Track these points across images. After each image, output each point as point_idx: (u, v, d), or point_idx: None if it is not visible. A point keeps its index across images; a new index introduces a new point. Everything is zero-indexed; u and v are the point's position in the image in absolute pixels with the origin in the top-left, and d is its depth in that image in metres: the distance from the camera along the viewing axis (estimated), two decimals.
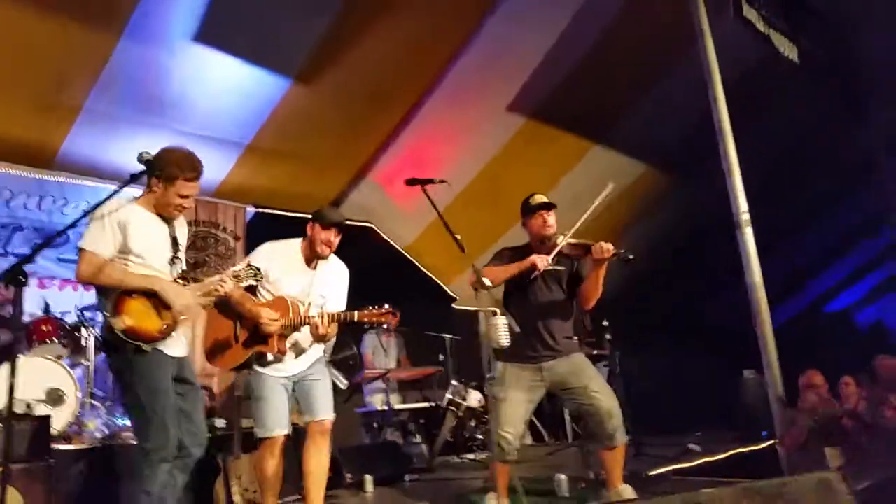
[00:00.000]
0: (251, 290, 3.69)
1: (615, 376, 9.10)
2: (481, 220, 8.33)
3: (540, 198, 4.17)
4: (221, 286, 3.09)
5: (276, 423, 3.65)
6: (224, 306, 3.60)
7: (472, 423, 8.19)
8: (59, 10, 4.80)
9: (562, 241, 3.81)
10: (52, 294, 5.94)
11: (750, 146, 8.42)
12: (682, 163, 8.58)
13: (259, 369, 3.67)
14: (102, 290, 2.97)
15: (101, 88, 5.38)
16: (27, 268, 2.84)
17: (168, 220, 3.15)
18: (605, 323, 8.78)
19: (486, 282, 3.48)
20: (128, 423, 5.57)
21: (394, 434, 6.62)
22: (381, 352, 7.01)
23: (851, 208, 9.64)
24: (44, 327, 5.22)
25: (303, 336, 3.72)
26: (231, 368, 3.77)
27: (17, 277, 2.44)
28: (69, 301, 5.90)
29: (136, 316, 2.90)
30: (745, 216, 4.93)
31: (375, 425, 6.53)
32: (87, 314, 5.55)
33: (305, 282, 3.75)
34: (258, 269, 3.24)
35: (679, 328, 9.37)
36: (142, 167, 2.90)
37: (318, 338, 3.64)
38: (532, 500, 4.15)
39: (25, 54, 4.97)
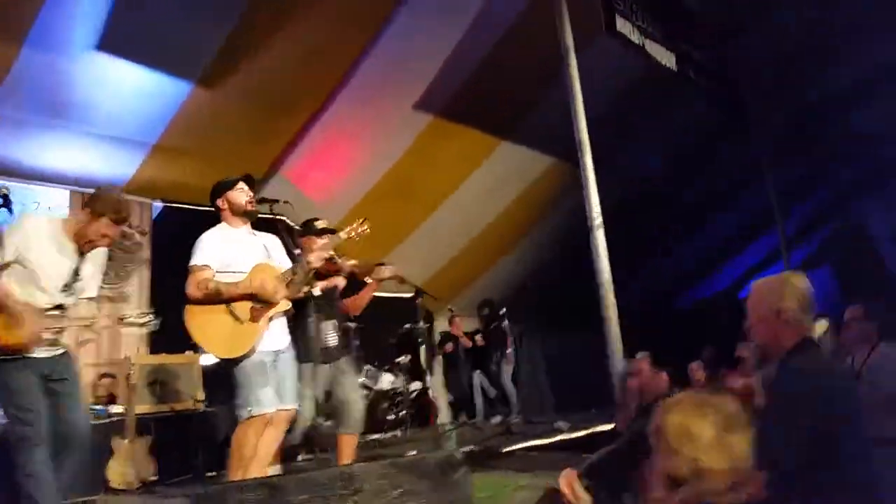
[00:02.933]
0: None
1: (515, 360, 9.77)
2: (394, 215, 8.77)
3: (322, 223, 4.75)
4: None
5: (272, 399, 3.68)
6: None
7: (385, 405, 8.73)
8: None
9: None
10: None
11: (640, 150, 9.06)
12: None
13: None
14: None
15: (4, 94, 5.61)
16: None
17: (80, 252, 3.55)
18: (503, 311, 9.38)
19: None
20: None
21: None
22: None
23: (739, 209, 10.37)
24: None
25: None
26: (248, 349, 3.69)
27: None
28: None
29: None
30: (598, 220, 5.43)
31: None
32: None
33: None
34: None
35: (582, 314, 9.98)
36: None
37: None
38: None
39: None
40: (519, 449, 5.29)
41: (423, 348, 10.34)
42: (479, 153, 8.50)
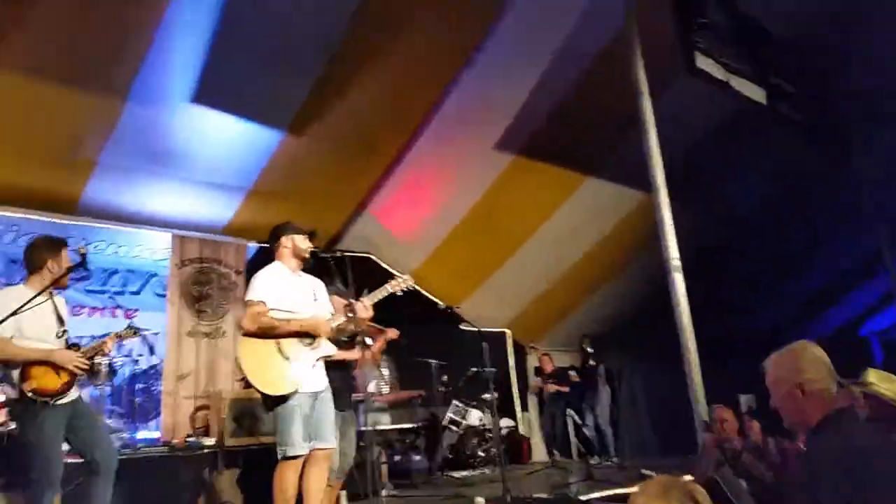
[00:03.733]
0: None
1: (612, 400, 9.49)
2: (478, 252, 8.85)
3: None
4: (104, 349, 3.84)
5: (307, 440, 3.82)
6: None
7: (474, 441, 8.69)
8: (72, 81, 5.54)
9: None
10: (73, 322, 6.76)
11: (734, 189, 8.67)
12: (680, 189, 8.85)
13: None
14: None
15: (112, 145, 6.12)
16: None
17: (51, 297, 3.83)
18: (593, 350, 9.16)
19: None
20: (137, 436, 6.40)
21: (382, 452, 7.16)
22: (374, 373, 7.56)
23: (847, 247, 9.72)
24: None
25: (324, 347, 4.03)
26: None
27: None
28: (94, 327, 6.77)
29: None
30: (676, 262, 5.25)
31: (361, 444, 7.07)
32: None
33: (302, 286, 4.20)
34: (137, 329, 3.88)
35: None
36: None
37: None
38: None
39: (44, 118, 5.74)
40: (593, 499, 5.10)
41: (514, 385, 10.32)
42: (564, 190, 8.43)
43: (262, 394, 3.86)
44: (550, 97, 7.21)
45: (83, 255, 3.63)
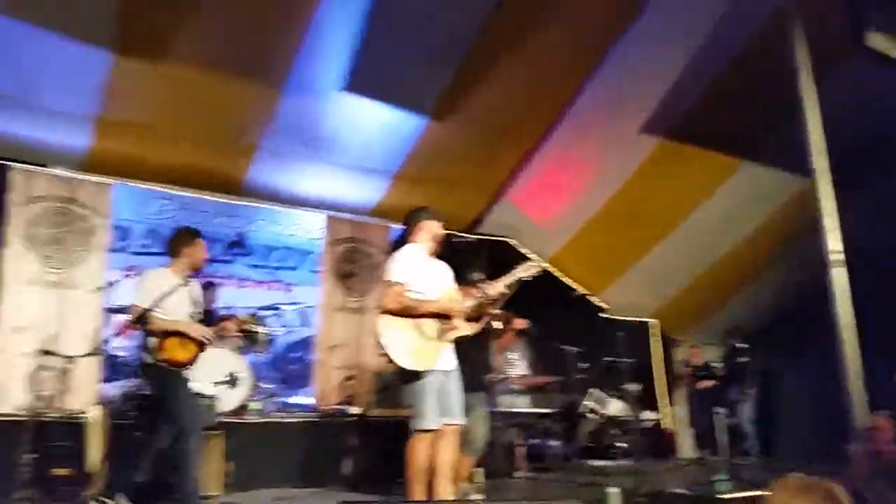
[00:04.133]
0: None
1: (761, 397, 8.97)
2: (621, 241, 8.66)
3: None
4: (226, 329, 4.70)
5: (440, 415, 4.05)
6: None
7: (614, 431, 8.56)
8: (236, 74, 6.04)
9: None
10: (238, 293, 7.45)
11: None
12: (845, 177, 8.15)
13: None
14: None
15: (271, 132, 6.62)
16: (226, 272, 6.20)
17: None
18: (740, 345, 8.67)
19: None
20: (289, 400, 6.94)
21: (518, 434, 7.27)
22: (508, 357, 7.68)
23: None
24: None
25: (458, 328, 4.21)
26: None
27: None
28: (251, 298, 7.43)
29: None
30: (838, 256, 4.90)
31: (499, 425, 7.21)
32: (262, 313, 6.97)
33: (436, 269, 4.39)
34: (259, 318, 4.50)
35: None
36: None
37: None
38: None
39: (213, 108, 6.31)
40: (736, 499, 4.87)
41: (657, 378, 10.01)
42: (717, 175, 8.02)
43: (400, 369, 4.08)
44: (702, 78, 6.86)
45: (239, 238, 3.99)
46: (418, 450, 3.99)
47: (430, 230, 4.34)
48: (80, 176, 6.36)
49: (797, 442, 9.39)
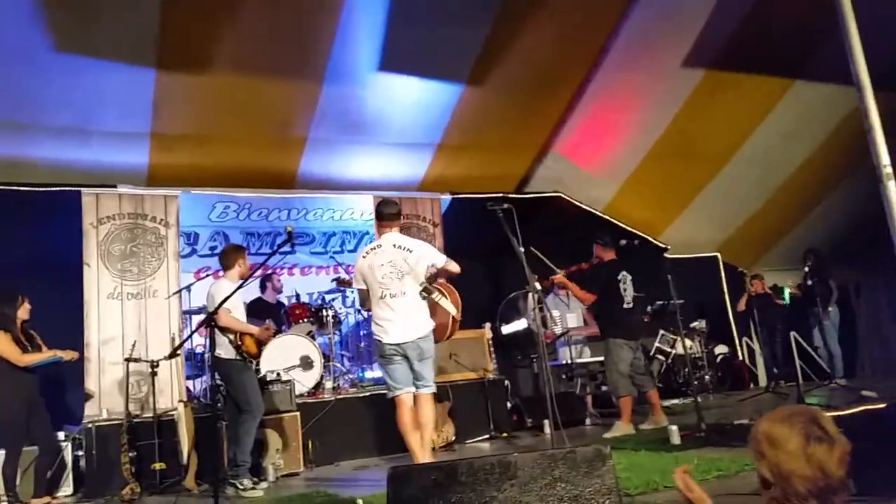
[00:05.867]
0: None
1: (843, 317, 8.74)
2: (677, 177, 8.54)
3: None
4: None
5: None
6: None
7: (685, 370, 8.57)
8: (276, 72, 6.28)
9: None
10: (304, 280, 7.81)
11: None
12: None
13: None
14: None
15: (317, 122, 6.84)
16: (289, 261, 7.28)
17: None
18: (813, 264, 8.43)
19: None
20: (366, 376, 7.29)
21: (583, 384, 7.42)
22: (565, 309, 7.77)
23: None
24: (297, 311, 7.01)
25: None
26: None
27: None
28: (316, 284, 7.75)
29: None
30: (888, 170, 4.73)
31: (564, 377, 7.38)
32: (328, 297, 7.32)
33: None
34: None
35: None
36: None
37: None
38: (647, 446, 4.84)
39: (259, 107, 6.58)
40: None
41: (730, 312, 9.88)
42: (767, 99, 7.78)
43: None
44: (740, 3, 6.67)
45: (289, 233, 4.22)
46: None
47: None
48: (146, 191, 6.76)
49: (881, 362, 9.15)
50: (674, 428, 4.98)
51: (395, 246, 4.59)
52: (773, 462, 1.60)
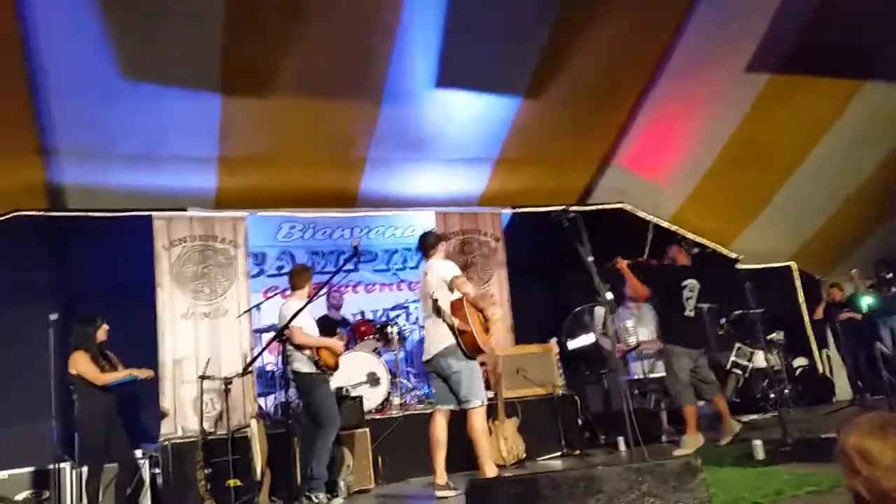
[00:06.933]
0: None
1: None
2: (745, 185, 8.30)
3: None
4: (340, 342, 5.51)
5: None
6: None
7: (763, 383, 8.27)
8: (336, 94, 6.41)
9: None
10: (368, 298, 7.86)
11: None
12: None
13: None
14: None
15: (376, 141, 6.93)
16: (353, 279, 7.25)
17: None
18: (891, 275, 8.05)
19: None
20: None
21: (656, 400, 7.21)
22: (636, 322, 7.58)
23: None
24: (363, 328, 7.06)
25: None
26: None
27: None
28: (380, 301, 7.81)
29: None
30: None
31: (637, 392, 7.19)
32: (392, 314, 7.35)
33: None
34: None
35: None
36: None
37: None
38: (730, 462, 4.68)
39: (321, 129, 6.71)
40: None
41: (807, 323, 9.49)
42: (837, 100, 7.49)
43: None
44: (804, 4, 6.48)
45: (355, 248, 4.27)
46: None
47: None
48: (215, 213, 6.95)
49: None
50: (758, 443, 4.79)
51: (423, 273, 5.06)
52: (871, 479, 1.47)
